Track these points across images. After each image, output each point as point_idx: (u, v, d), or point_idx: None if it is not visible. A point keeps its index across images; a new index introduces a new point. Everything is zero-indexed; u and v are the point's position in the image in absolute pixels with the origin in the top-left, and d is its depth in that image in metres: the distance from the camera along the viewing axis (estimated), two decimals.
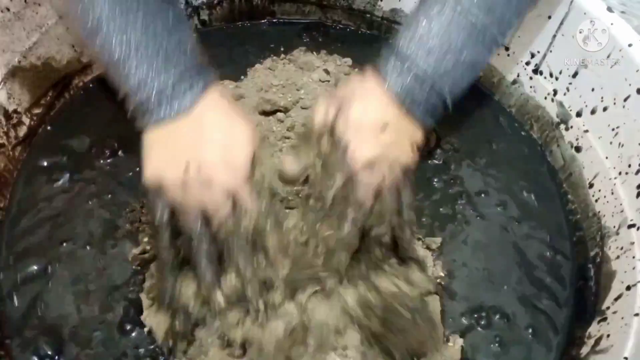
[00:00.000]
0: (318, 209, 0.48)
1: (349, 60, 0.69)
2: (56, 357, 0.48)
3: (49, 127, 0.64)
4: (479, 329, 0.52)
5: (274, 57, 0.70)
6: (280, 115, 0.64)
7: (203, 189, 0.44)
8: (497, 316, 0.53)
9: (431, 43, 0.46)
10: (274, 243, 0.47)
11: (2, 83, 0.57)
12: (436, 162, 0.64)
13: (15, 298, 0.51)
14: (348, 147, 0.45)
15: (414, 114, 0.47)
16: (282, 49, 0.73)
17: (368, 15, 0.76)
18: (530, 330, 0.52)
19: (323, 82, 0.67)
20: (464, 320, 0.52)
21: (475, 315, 0.52)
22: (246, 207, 0.45)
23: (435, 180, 0.62)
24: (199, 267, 0.46)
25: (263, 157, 0.47)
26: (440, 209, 0.59)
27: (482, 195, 0.61)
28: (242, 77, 0.69)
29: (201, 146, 0.44)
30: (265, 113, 0.64)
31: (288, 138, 0.61)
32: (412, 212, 0.49)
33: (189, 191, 0.44)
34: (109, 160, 0.61)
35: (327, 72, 0.69)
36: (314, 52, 0.71)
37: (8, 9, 0.55)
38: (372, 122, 0.46)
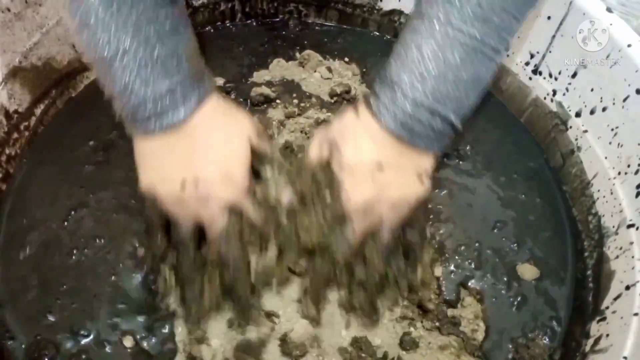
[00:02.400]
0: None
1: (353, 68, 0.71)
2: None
3: (49, 128, 0.64)
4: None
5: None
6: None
7: (200, 204, 0.43)
8: None
9: (423, 68, 0.42)
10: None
11: (3, 83, 0.57)
12: None
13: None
14: (341, 190, 0.44)
15: (416, 145, 0.44)
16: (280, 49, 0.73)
17: (366, 14, 0.76)
18: (529, 331, 0.52)
19: (325, 79, 0.68)
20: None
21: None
22: (250, 217, 0.45)
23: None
24: (181, 271, 0.47)
25: (266, 147, 0.48)
26: (439, 206, 0.59)
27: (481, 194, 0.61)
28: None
29: (197, 162, 0.43)
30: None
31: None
32: (423, 244, 0.49)
33: (185, 206, 0.44)
34: (110, 160, 0.61)
35: (329, 70, 0.69)
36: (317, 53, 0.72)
37: (9, 9, 0.55)
38: (366, 163, 0.44)
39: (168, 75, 0.41)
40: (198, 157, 0.43)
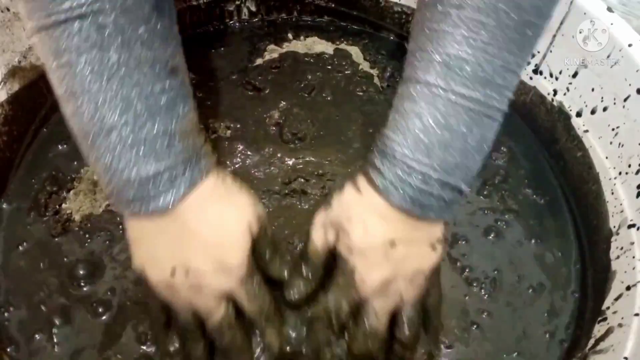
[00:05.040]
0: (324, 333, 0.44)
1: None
2: None
3: (49, 127, 0.64)
4: (477, 331, 0.52)
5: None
6: None
7: (192, 293, 0.40)
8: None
9: (428, 140, 0.38)
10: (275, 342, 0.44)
11: (2, 83, 0.57)
12: None
13: None
14: (354, 273, 0.41)
15: (428, 217, 0.41)
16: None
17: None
18: (529, 331, 0.52)
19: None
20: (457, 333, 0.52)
21: (474, 318, 0.52)
22: (243, 307, 0.42)
23: None
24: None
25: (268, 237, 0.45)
26: None
27: (481, 194, 0.61)
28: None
29: (186, 251, 0.40)
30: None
31: None
32: (439, 307, 0.46)
33: (177, 294, 0.41)
34: None
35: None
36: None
37: (8, 9, 0.55)
38: (377, 242, 0.41)
39: (156, 158, 0.37)
40: (187, 244, 0.40)
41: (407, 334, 0.43)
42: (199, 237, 0.40)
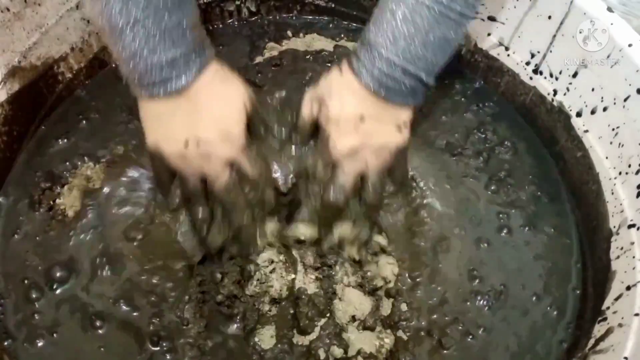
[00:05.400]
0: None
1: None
2: None
3: (50, 127, 0.64)
4: (478, 330, 0.52)
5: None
6: None
7: (202, 161, 0.48)
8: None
9: (397, 32, 0.47)
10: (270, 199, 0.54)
11: (2, 83, 0.57)
12: None
13: None
14: (329, 140, 0.50)
15: (393, 100, 0.49)
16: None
17: None
18: (530, 331, 0.52)
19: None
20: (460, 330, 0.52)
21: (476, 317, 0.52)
22: (247, 172, 0.50)
23: None
24: (195, 221, 0.53)
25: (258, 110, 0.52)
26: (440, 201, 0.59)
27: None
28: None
29: (198, 124, 0.47)
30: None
31: None
32: (405, 184, 0.57)
33: (189, 163, 0.49)
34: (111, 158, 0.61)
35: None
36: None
37: (8, 9, 0.55)
38: (349, 115, 0.49)
39: (174, 46, 0.45)
40: (199, 119, 0.47)
41: (371, 196, 0.53)
42: (208, 111, 0.48)
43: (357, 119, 0.49)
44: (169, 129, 0.48)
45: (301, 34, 0.75)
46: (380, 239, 0.57)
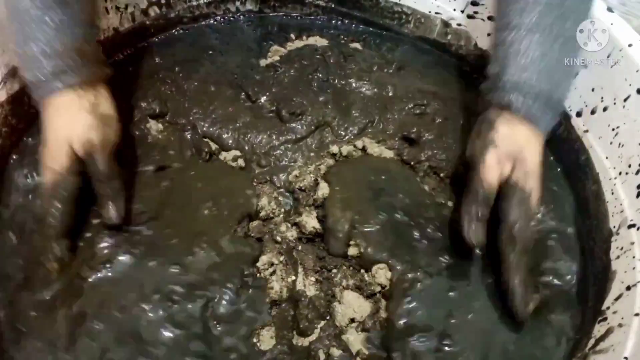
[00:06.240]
0: None
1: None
2: None
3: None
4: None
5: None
6: None
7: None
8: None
9: (556, 76, 0.52)
10: None
11: (2, 83, 0.57)
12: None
13: None
14: (533, 192, 0.51)
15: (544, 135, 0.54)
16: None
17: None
18: (529, 331, 0.52)
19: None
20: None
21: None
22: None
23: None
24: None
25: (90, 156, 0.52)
26: (443, 212, 0.59)
27: None
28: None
29: (43, 133, 0.52)
30: None
31: None
32: None
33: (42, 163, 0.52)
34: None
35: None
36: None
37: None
38: (540, 163, 0.52)
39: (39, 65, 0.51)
40: (44, 129, 0.52)
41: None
42: (48, 127, 0.51)
43: (542, 164, 0.52)
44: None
45: (304, 37, 0.75)
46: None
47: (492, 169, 0.51)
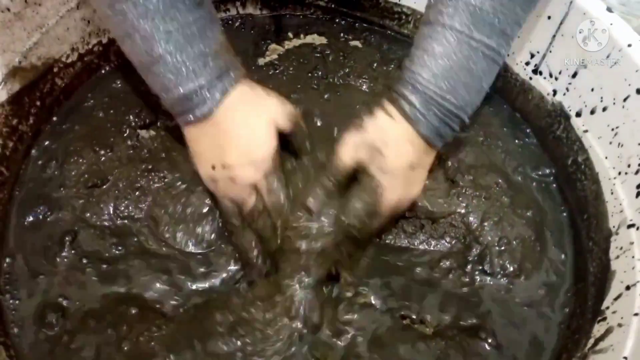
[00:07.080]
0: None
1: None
2: None
3: (50, 127, 0.64)
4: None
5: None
6: None
7: (229, 185, 0.50)
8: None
9: (454, 80, 0.47)
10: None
11: (3, 83, 0.57)
12: None
13: None
14: (383, 191, 0.49)
15: (437, 146, 0.50)
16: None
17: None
18: (529, 331, 0.52)
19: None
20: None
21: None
22: (265, 199, 0.50)
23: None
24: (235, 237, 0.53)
25: (296, 126, 0.53)
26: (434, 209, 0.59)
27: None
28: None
29: (223, 148, 0.49)
30: None
31: None
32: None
33: (218, 186, 0.51)
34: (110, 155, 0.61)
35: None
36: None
37: (8, 9, 0.55)
38: (404, 165, 0.49)
39: (197, 76, 0.47)
40: (223, 143, 0.49)
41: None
42: (232, 135, 0.49)
43: (409, 168, 0.49)
44: (200, 152, 0.51)
45: (302, 35, 0.75)
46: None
47: (346, 147, 0.50)
